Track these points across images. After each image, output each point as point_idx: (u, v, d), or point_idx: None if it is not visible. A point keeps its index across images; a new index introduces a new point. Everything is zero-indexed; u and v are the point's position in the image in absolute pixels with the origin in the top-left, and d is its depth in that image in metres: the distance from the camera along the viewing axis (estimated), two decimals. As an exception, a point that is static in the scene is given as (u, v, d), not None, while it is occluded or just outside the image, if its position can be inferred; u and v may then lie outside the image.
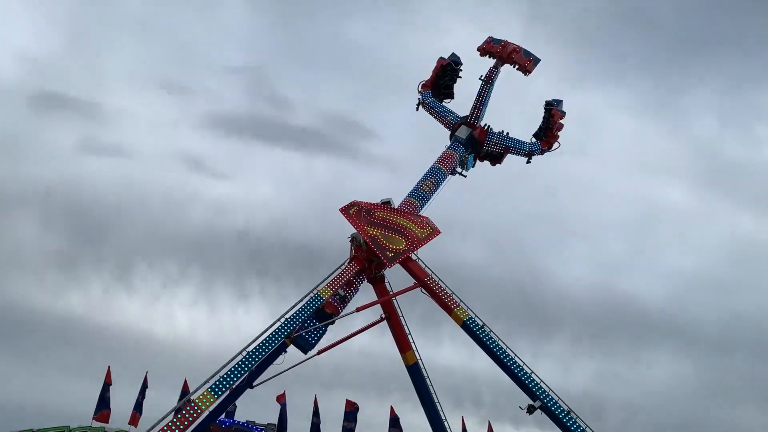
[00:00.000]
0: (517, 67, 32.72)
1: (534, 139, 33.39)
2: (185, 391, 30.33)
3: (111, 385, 31.47)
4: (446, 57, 33.71)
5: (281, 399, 32.39)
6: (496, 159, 33.61)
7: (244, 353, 21.94)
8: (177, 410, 20.42)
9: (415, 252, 26.85)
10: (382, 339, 30.02)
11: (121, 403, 30.75)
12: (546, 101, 33.10)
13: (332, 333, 26.40)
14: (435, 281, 26.21)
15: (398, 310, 28.02)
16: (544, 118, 33.13)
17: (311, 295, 24.20)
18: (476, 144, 32.44)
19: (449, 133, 32.83)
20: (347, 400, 36.58)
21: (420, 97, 33.87)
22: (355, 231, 26.57)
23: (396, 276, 27.67)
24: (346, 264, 26.18)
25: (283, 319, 23.29)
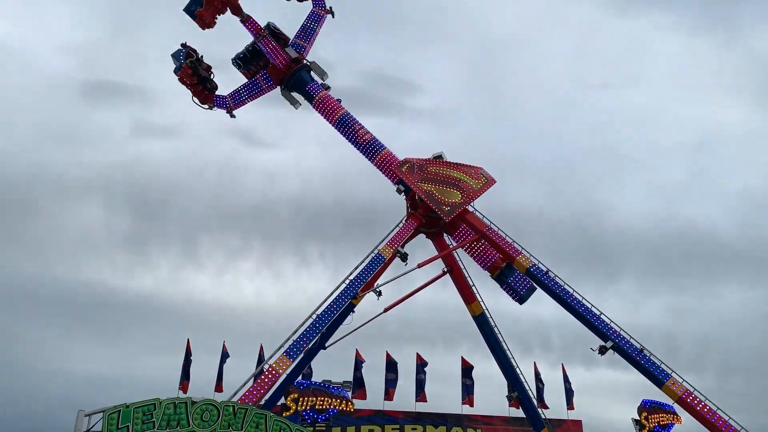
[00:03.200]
0: None
1: None
2: (261, 356, 31.56)
3: (191, 356, 33.08)
4: (177, 67, 28.88)
5: (360, 357, 33.31)
6: None
7: (314, 316, 22.54)
8: (256, 376, 21.25)
9: (472, 203, 26.72)
10: (446, 291, 30.26)
11: (203, 372, 32.31)
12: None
13: (397, 289, 26.81)
14: (494, 231, 26.09)
15: (459, 262, 28.10)
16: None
17: (373, 254, 24.56)
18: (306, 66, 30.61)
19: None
20: (417, 354, 37.33)
21: (226, 109, 30.41)
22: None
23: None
24: (404, 221, 26.33)
25: (347, 281, 23.76)
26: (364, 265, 24.25)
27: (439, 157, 27.71)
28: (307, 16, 30.80)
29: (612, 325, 23.91)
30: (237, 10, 30.15)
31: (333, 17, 30.93)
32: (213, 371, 32.95)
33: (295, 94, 30.33)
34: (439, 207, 25.84)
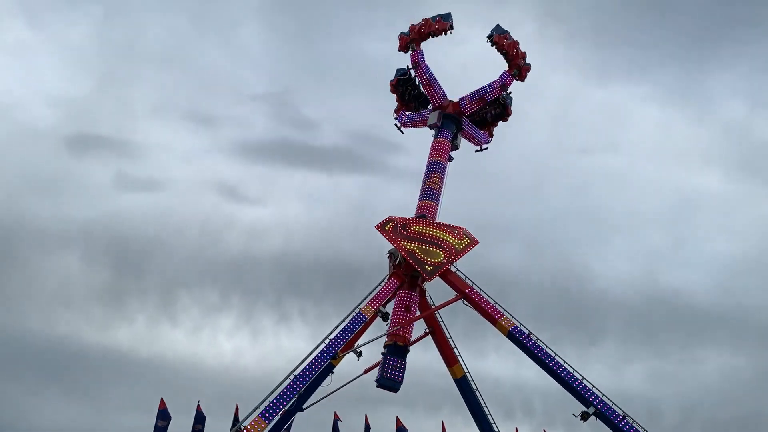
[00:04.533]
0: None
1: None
2: (237, 418, 30.57)
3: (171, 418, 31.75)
4: (394, 76, 33.93)
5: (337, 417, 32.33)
6: (495, 119, 34.21)
7: (292, 377, 22.04)
8: (230, 438, 20.57)
9: (454, 264, 26.70)
10: (427, 353, 29.79)
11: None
12: (487, 36, 32.29)
13: (377, 350, 26.36)
14: (476, 292, 26.02)
15: (441, 323, 27.84)
16: (500, 51, 32.56)
17: (353, 314, 24.27)
18: (456, 119, 32.36)
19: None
20: (397, 418, 36.36)
21: (397, 123, 34.51)
22: (392, 247, 26.59)
23: (436, 289, 27.58)
24: (385, 280, 26.19)
25: (327, 340, 23.37)
26: (344, 324, 23.96)
27: (422, 217, 27.87)
28: (487, 84, 32.69)
29: (594, 390, 23.67)
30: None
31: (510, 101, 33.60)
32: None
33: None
34: (422, 266, 25.79)
